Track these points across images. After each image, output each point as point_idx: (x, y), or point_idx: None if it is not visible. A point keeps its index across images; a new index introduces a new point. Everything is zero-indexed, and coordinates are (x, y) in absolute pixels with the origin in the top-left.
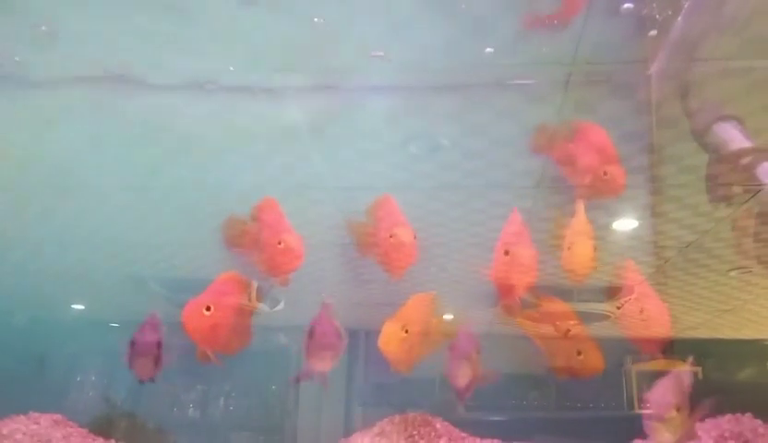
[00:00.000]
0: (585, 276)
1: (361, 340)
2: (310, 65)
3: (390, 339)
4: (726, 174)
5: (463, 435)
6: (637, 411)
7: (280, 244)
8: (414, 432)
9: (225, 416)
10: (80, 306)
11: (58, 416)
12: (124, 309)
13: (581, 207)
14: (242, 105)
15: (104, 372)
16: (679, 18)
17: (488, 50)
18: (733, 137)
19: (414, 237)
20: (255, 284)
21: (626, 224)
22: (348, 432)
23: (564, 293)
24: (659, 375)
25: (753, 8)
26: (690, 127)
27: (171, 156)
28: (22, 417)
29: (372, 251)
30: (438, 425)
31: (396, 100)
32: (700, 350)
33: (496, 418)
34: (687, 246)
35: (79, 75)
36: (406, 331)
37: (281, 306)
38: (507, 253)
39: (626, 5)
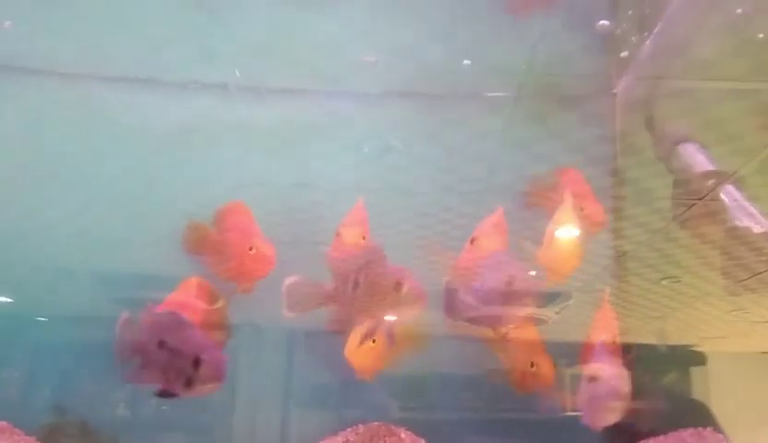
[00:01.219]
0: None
1: (299, 340)
2: (262, 63)
3: (356, 348)
4: (689, 195)
5: None
6: (569, 413)
7: (251, 249)
8: (381, 442)
9: (157, 416)
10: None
11: (4, 424)
12: (53, 304)
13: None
14: (190, 100)
15: (30, 369)
16: (648, 42)
17: (446, 58)
18: (697, 160)
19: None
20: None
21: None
22: (284, 435)
23: (505, 297)
24: (591, 379)
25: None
26: (653, 148)
27: (110, 148)
28: None
29: (216, 259)
30: (402, 435)
31: (351, 102)
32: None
33: (429, 418)
34: (622, 256)
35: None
36: (373, 341)
37: (220, 304)
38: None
39: (595, 22)
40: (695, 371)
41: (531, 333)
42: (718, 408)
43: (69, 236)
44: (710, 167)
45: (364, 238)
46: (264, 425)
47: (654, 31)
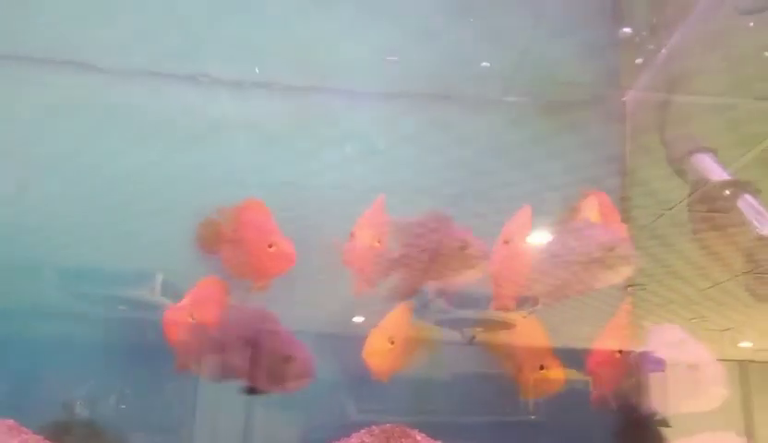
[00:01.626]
0: None
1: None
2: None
3: (376, 350)
4: (707, 204)
5: None
6: (532, 417)
7: (271, 247)
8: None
9: (117, 415)
10: None
11: (11, 422)
12: (8, 297)
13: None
14: (169, 94)
15: None
16: (663, 50)
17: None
18: (712, 169)
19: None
20: (159, 278)
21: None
22: (247, 435)
23: (473, 300)
24: (554, 383)
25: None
26: (666, 155)
27: (79, 140)
28: None
29: (233, 256)
30: (418, 437)
31: (336, 101)
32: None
33: (394, 421)
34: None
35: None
36: (392, 343)
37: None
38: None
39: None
40: (653, 377)
41: (540, 337)
42: (675, 412)
43: (30, 229)
44: (725, 176)
45: (380, 241)
46: (227, 425)
47: (668, 44)
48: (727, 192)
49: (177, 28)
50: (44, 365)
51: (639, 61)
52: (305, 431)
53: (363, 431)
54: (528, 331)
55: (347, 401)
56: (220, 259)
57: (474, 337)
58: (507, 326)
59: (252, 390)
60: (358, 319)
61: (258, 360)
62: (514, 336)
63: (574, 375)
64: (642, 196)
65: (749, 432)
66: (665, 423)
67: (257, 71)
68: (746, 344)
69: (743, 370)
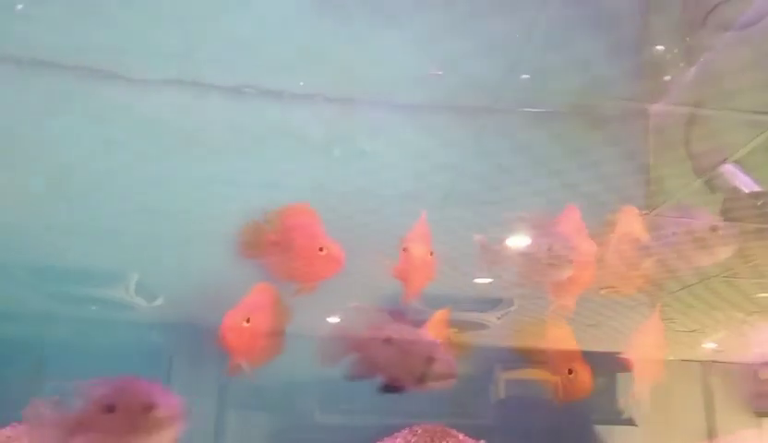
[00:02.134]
0: None
1: None
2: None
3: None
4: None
5: None
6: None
7: (321, 250)
8: (444, 441)
9: None
10: None
11: None
12: None
13: None
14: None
15: None
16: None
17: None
18: (744, 181)
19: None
20: (134, 277)
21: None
22: (219, 436)
23: (447, 301)
24: (526, 383)
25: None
26: (693, 166)
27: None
28: None
29: (279, 260)
30: (460, 437)
31: (325, 106)
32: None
33: (362, 424)
34: None
35: None
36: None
37: (159, 302)
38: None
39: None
40: (622, 377)
41: (569, 341)
42: (643, 415)
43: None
44: (758, 188)
45: (431, 253)
46: (198, 427)
47: (698, 62)
48: (760, 202)
49: (221, 40)
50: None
51: (667, 77)
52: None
53: (406, 430)
54: (558, 336)
55: (314, 402)
56: (262, 263)
57: (450, 338)
58: (481, 327)
59: (389, 389)
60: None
61: (400, 360)
62: (544, 341)
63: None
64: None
65: (710, 429)
66: (632, 421)
67: (301, 84)
68: (710, 346)
69: (706, 370)
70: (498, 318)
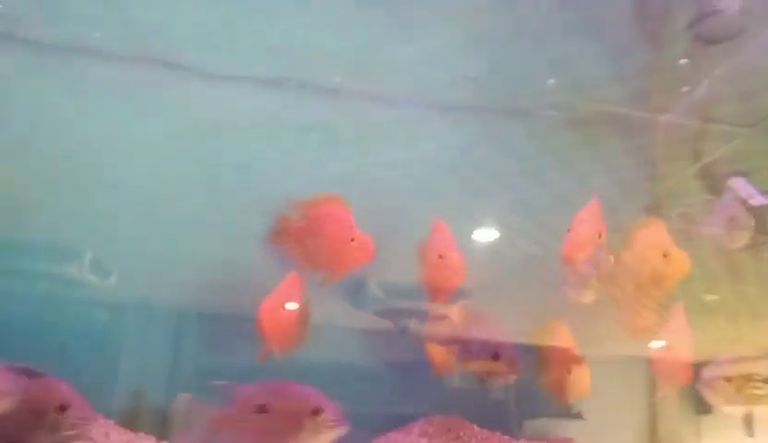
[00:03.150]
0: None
1: (191, 322)
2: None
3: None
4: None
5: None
6: None
7: (353, 241)
8: (460, 433)
9: None
10: None
11: None
12: None
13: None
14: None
15: None
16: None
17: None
18: (751, 193)
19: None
20: (88, 255)
21: (488, 235)
22: (166, 420)
23: (407, 293)
24: (482, 376)
25: None
26: (700, 176)
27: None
28: None
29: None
30: (475, 428)
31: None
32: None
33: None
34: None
35: None
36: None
37: (112, 280)
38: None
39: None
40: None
41: (567, 340)
42: (588, 406)
43: None
44: (765, 201)
45: (600, 236)
46: (147, 411)
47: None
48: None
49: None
50: None
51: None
52: None
53: (422, 420)
54: (556, 336)
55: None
56: (287, 252)
57: (406, 328)
58: (441, 318)
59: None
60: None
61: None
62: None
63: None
64: None
65: (653, 424)
66: (579, 415)
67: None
68: (657, 344)
69: (651, 366)
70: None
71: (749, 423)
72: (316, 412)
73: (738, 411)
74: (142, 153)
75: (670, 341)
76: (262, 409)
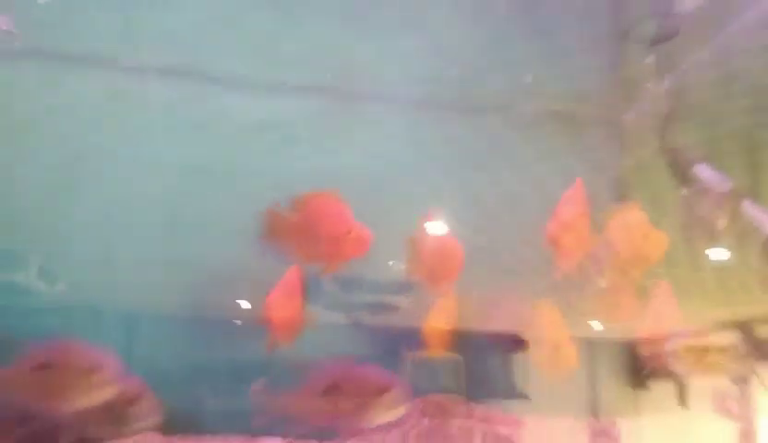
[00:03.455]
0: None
1: (141, 323)
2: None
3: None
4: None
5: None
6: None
7: (350, 233)
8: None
9: None
10: None
11: None
12: None
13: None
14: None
15: None
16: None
17: None
18: (713, 179)
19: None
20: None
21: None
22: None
23: (354, 284)
24: (431, 362)
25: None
26: (667, 163)
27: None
28: None
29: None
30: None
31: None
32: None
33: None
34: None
35: None
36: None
37: (61, 286)
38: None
39: None
40: (517, 357)
41: (556, 317)
42: (534, 389)
43: None
44: (727, 187)
45: (582, 216)
46: None
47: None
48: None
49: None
50: None
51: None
52: None
53: (417, 400)
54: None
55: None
56: (284, 247)
57: (359, 319)
58: (393, 309)
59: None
60: None
61: None
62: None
63: None
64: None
65: (594, 404)
66: (524, 395)
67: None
68: (595, 325)
69: (591, 348)
70: (407, 299)
71: (682, 395)
72: (383, 390)
73: (685, 381)
74: (99, 156)
75: (658, 317)
76: (328, 390)
